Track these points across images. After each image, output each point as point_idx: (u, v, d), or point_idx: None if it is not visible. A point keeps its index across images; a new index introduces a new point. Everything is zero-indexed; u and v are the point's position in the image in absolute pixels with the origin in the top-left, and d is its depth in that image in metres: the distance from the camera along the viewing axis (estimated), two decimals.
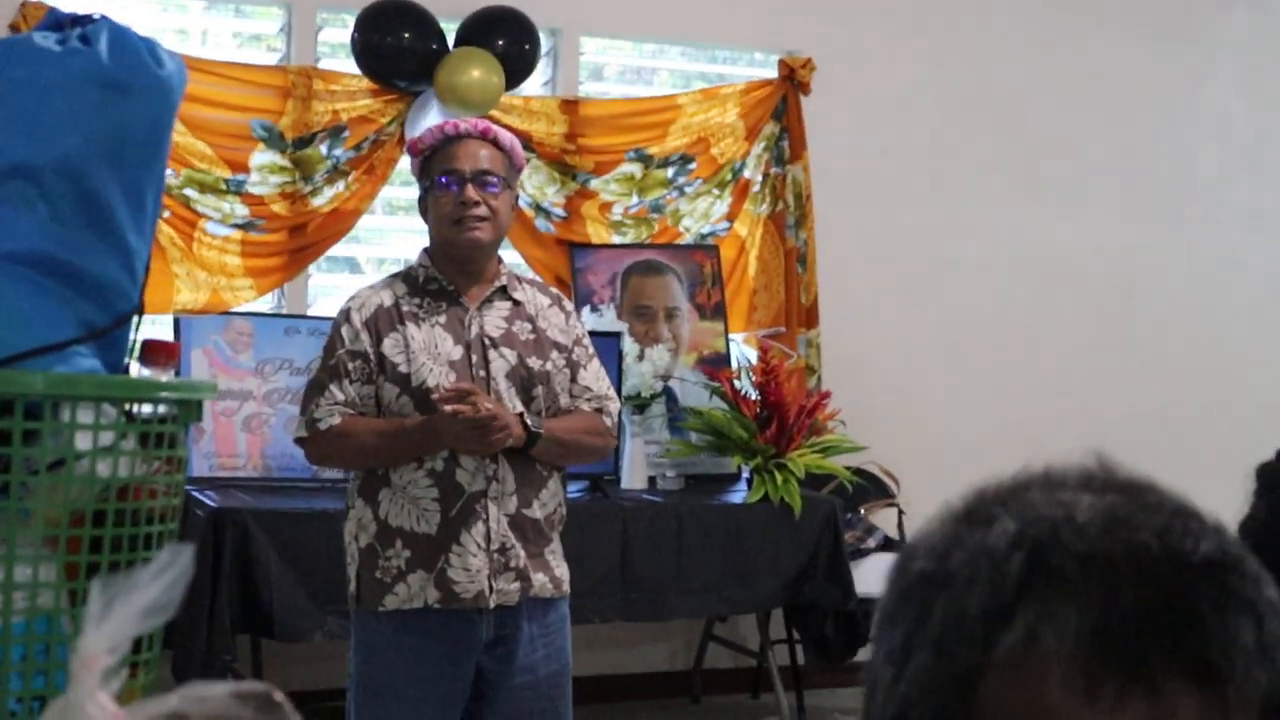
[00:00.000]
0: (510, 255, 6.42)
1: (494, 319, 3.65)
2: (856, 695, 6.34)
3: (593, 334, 6.07)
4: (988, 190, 7.13)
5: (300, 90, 5.92)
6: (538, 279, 3.95)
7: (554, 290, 3.90)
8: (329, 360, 3.60)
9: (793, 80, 6.67)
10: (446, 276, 3.65)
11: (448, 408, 3.42)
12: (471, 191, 3.59)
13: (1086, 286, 7.29)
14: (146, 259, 1.98)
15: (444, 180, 3.61)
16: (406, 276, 3.70)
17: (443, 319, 3.61)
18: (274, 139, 5.89)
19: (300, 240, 6.00)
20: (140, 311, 1.99)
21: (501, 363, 3.61)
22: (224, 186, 5.83)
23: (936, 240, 7.03)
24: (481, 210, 3.59)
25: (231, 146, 5.84)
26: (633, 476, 6.01)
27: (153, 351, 1.95)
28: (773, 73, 6.76)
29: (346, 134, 5.98)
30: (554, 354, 3.68)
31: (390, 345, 3.57)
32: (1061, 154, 7.26)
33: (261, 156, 5.89)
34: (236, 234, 5.86)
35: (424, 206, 3.72)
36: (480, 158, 3.63)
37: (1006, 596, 0.88)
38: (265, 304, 6.10)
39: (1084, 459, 0.96)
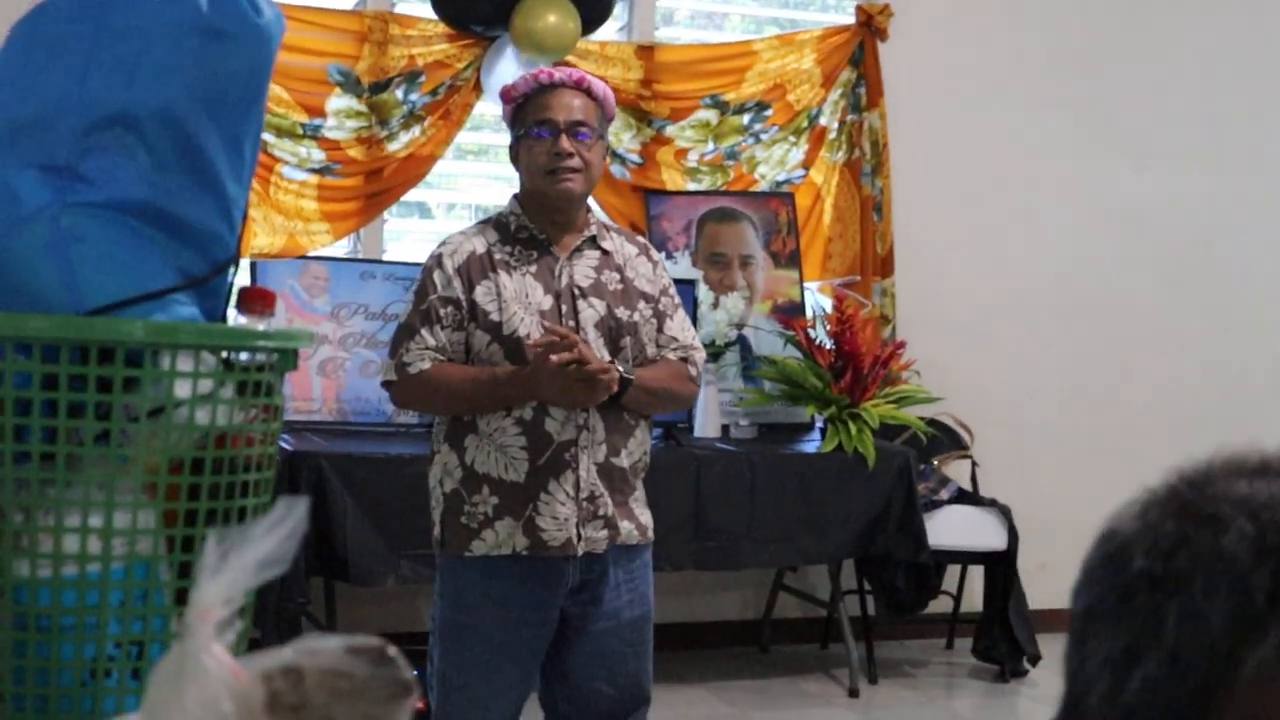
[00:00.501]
0: None
1: (583, 268, 3.64)
2: (926, 647, 6.31)
3: None
4: (1065, 140, 7.05)
5: (377, 35, 5.92)
6: (623, 229, 3.91)
7: (641, 239, 3.87)
8: (420, 305, 3.58)
9: (870, 27, 6.62)
10: (537, 225, 3.63)
11: (553, 357, 3.40)
12: (565, 142, 3.56)
13: (1165, 239, 7.21)
14: (244, 208, 1.98)
15: (538, 130, 3.59)
16: (497, 224, 3.68)
17: (533, 268, 3.60)
18: (350, 84, 5.90)
19: (376, 185, 6.01)
20: (238, 260, 2.00)
21: (591, 312, 3.59)
22: (300, 131, 5.84)
23: (1013, 190, 6.96)
24: (575, 161, 3.57)
25: (308, 91, 5.86)
26: (706, 425, 6.01)
27: (251, 299, 1.95)
28: (848, 18, 6.71)
29: (422, 79, 5.98)
30: (641, 304, 3.67)
31: (482, 293, 3.56)
32: (1140, 104, 7.17)
33: (338, 101, 5.90)
34: (313, 178, 5.88)
35: (515, 154, 3.69)
36: (574, 108, 3.60)
37: (1257, 610, 0.84)
38: (341, 248, 6.12)
39: None
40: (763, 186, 6.54)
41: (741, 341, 6.28)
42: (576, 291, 3.60)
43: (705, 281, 6.21)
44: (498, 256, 3.60)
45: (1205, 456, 0.94)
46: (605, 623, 3.63)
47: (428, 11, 6.01)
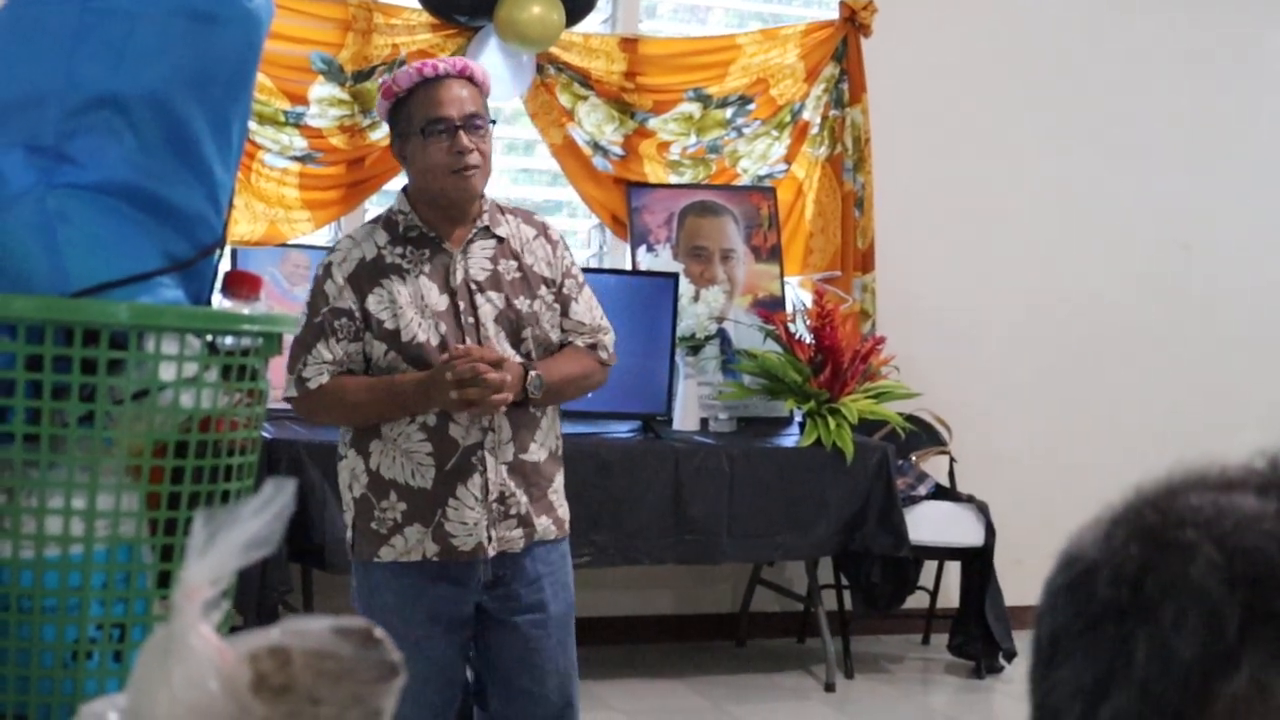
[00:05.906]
0: (567, 192, 6.43)
1: (478, 261, 3.57)
2: (902, 642, 6.34)
3: (648, 274, 6.11)
4: (1046, 138, 7.07)
5: (360, 23, 5.92)
6: (519, 209, 3.79)
7: (540, 219, 3.77)
8: (314, 318, 3.53)
9: (854, 22, 6.62)
10: (427, 223, 3.57)
11: (455, 369, 3.36)
12: (464, 139, 3.49)
13: (1144, 238, 7.24)
14: (231, 192, 1.98)
15: (434, 128, 3.50)
16: (387, 223, 3.61)
17: (427, 268, 3.54)
18: (333, 72, 5.89)
19: (358, 174, 6.00)
20: (224, 243, 1.99)
21: (489, 307, 3.54)
22: (283, 118, 5.83)
23: (994, 187, 6.98)
24: (474, 158, 3.50)
25: (291, 79, 5.85)
26: (685, 418, 6.02)
27: (236, 283, 1.94)
28: (832, 14, 6.71)
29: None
30: (542, 290, 3.61)
31: (375, 301, 3.51)
32: (1122, 104, 7.19)
33: (321, 89, 5.89)
34: (295, 166, 5.87)
35: (401, 151, 3.61)
36: (464, 99, 3.52)
37: (1228, 643, 0.82)
38: (322, 236, 6.11)
39: (1254, 459, 0.90)
40: (744, 180, 6.54)
41: (721, 335, 6.29)
42: (473, 286, 3.54)
43: (686, 275, 6.22)
44: (389, 260, 3.54)
45: (1165, 471, 0.91)
46: (527, 616, 3.60)
47: (411, 1, 6.01)
